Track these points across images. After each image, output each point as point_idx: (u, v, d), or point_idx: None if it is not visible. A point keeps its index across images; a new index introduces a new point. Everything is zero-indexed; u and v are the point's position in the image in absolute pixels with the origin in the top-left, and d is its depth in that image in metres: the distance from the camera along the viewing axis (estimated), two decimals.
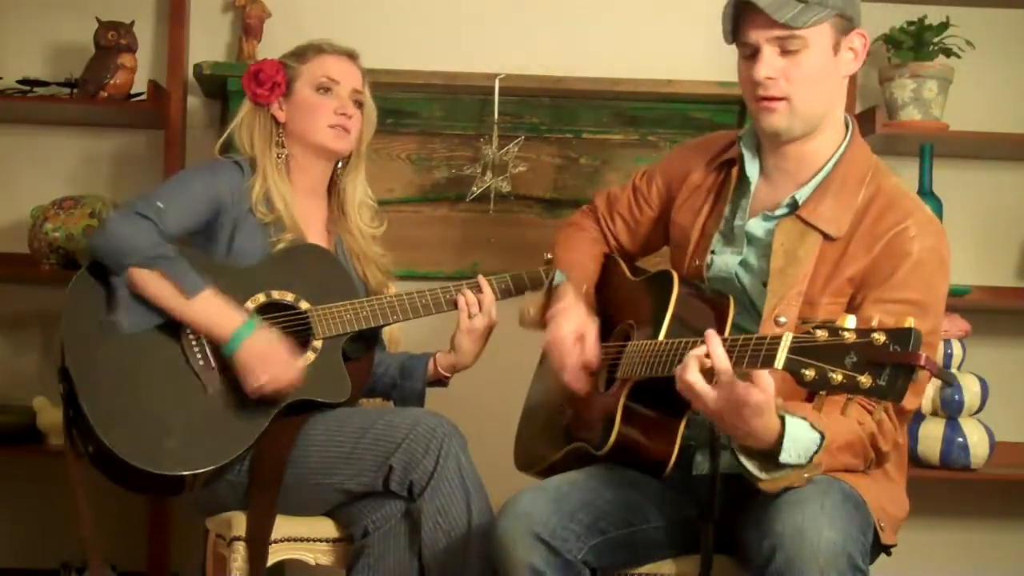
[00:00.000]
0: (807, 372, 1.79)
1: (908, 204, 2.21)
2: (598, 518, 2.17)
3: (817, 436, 1.98)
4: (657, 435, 2.20)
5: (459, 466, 2.40)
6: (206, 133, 3.55)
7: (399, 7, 3.60)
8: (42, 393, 3.36)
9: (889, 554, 2.21)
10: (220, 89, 3.40)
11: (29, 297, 3.55)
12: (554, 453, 2.43)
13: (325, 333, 2.55)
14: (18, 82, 3.41)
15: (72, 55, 3.48)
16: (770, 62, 2.19)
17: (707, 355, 1.93)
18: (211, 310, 2.46)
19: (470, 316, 2.64)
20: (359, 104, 2.72)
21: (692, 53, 3.56)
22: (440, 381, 2.73)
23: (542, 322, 2.42)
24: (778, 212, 2.26)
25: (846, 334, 1.77)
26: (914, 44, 3.45)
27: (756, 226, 2.28)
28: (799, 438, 1.96)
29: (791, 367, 1.81)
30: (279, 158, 2.67)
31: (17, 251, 3.44)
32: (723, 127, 3.48)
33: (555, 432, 2.46)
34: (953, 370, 3.34)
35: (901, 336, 1.73)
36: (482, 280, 2.67)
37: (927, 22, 3.45)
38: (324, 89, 2.68)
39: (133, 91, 3.40)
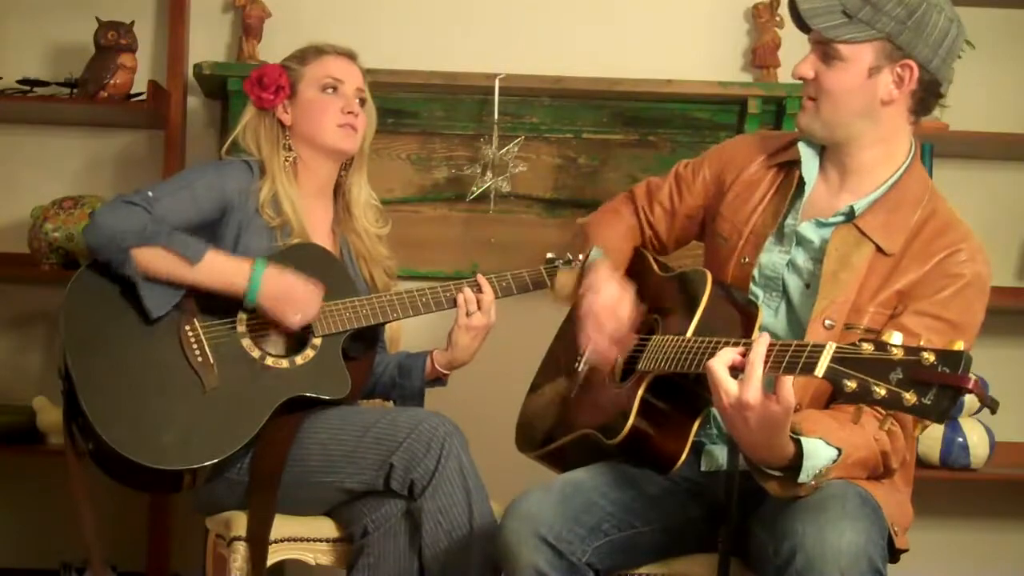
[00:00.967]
0: (849, 383, 1.78)
1: (963, 229, 2.24)
2: (602, 520, 2.17)
3: (834, 452, 2.00)
4: (670, 432, 2.19)
5: (460, 466, 2.40)
6: (206, 133, 3.55)
7: (399, 7, 3.60)
8: (42, 393, 3.37)
9: (897, 560, 2.20)
10: (220, 89, 3.40)
11: (29, 297, 3.55)
12: (560, 436, 2.42)
13: (324, 331, 2.55)
14: (18, 82, 3.41)
15: (72, 55, 3.48)
16: (810, 63, 2.23)
17: (743, 354, 1.93)
18: (219, 269, 2.49)
19: (468, 313, 2.65)
20: (362, 103, 2.72)
21: (692, 53, 3.57)
22: (439, 380, 2.73)
23: (576, 295, 2.40)
24: (833, 219, 2.26)
25: (894, 350, 1.76)
26: None
27: (808, 229, 2.28)
28: (818, 455, 1.98)
29: (832, 376, 1.80)
30: (287, 161, 2.68)
31: (17, 251, 3.44)
32: (723, 127, 3.49)
33: (564, 414, 2.45)
34: None
35: (951, 358, 1.72)
36: (482, 279, 2.68)
37: None
38: (330, 88, 2.68)
39: (133, 91, 3.40)
